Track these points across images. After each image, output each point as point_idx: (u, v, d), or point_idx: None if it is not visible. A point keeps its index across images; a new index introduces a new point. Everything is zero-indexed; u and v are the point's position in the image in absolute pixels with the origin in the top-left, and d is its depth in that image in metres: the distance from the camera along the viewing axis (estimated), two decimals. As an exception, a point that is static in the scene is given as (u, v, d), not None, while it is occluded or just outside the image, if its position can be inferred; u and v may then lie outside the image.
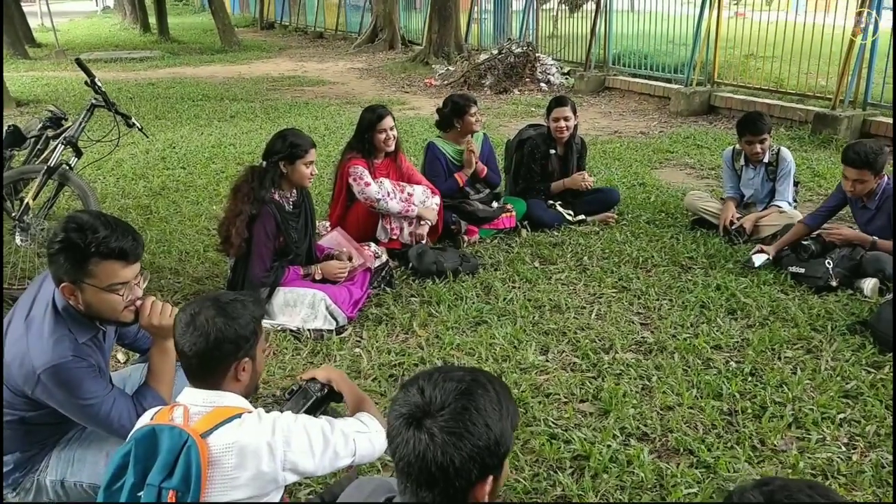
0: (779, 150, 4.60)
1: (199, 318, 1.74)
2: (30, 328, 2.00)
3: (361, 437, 1.89)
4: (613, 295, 3.82)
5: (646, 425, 2.68)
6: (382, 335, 3.42)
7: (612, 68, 11.18)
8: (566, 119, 4.83)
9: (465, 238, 4.54)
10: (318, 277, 3.67)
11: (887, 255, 3.78)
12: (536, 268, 4.17)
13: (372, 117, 4.26)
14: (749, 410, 2.75)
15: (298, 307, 3.50)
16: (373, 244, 4.14)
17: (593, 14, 11.06)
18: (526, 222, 4.79)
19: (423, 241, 4.31)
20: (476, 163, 4.63)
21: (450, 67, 13.06)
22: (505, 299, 3.74)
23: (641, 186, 5.77)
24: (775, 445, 2.55)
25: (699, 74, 9.33)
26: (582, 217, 4.89)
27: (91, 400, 2.00)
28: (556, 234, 4.70)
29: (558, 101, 4.91)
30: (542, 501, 2.31)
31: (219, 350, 1.74)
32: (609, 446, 2.53)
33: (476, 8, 14.99)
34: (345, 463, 1.86)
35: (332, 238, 4.03)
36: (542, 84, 11.56)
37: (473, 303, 3.70)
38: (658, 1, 10.70)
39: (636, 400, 2.83)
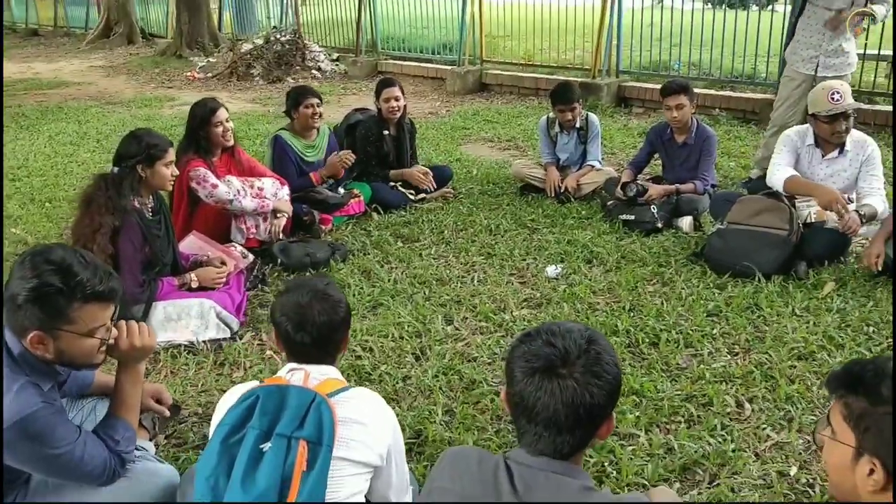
0: (587, 115, 5.15)
1: (310, 312, 1.81)
2: None
3: (410, 490, 1.95)
4: (483, 261, 4.04)
5: (570, 369, 2.93)
6: (284, 334, 3.29)
7: (382, 52, 11.44)
8: (396, 99, 4.94)
9: (322, 227, 4.47)
10: (194, 286, 3.41)
11: (696, 195, 4.48)
12: (402, 247, 4.25)
13: (204, 111, 4.01)
14: (645, 339, 3.13)
15: (185, 320, 3.23)
16: (237, 244, 3.93)
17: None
18: (374, 205, 4.83)
19: (281, 236, 4.18)
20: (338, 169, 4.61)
21: (210, 59, 12.40)
22: (389, 280, 3.78)
23: (458, 162, 6.06)
24: (679, 364, 2.95)
25: (469, 55, 9.93)
26: (423, 195, 5.05)
27: (65, 447, 1.75)
28: (403, 213, 4.81)
29: (387, 83, 5.00)
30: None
31: (336, 334, 1.86)
32: (551, 393, 2.74)
33: (226, -4, 14.32)
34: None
35: (190, 243, 3.75)
36: (314, 71, 11.48)
37: (361, 288, 3.70)
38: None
39: (552, 349, 3.07)
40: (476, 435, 2.52)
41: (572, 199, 4.92)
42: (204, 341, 3.19)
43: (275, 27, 12.29)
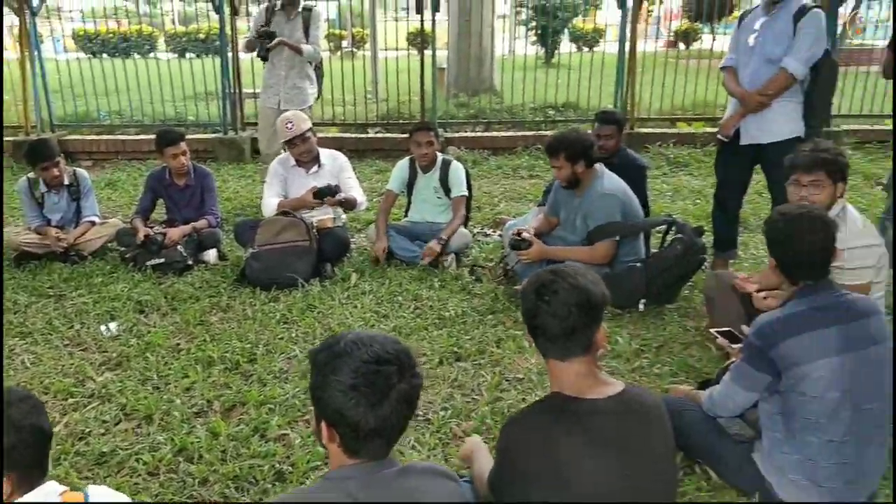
0: (74, 171, 4.93)
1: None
2: None
3: None
4: (22, 343, 3.60)
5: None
6: None
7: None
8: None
9: None
10: None
11: (213, 229, 4.83)
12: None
13: None
14: (242, 359, 3.36)
15: None
16: None
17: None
18: None
19: None
20: None
21: None
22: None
23: None
24: (282, 369, 3.31)
25: None
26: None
27: None
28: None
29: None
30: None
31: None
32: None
33: None
34: None
35: None
36: None
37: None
38: None
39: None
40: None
41: (78, 259, 4.68)
42: None
43: None
